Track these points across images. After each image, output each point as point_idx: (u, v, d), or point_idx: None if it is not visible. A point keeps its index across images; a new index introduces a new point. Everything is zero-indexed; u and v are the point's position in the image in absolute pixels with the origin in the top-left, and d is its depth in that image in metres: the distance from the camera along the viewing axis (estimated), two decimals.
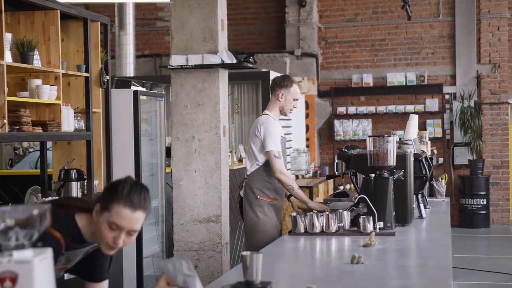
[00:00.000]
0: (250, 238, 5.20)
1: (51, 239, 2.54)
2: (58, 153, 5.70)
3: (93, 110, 5.65)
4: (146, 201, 2.60)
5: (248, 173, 5.24)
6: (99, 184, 5.79)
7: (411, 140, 5.15)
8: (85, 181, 5.51)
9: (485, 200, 12.02)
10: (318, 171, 10.64)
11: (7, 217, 1.72)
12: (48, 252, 1.76)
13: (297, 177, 10.09)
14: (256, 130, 5.09)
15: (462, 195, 12.15)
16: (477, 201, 12.00)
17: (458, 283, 7.74)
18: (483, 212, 12.04)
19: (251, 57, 5.74)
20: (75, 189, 5.34)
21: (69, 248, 2.64)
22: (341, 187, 9.80)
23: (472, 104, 12.17)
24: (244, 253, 2.72)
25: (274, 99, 5.18)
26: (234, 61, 5.48)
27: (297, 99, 5.22)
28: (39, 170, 5.76)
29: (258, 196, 5.13)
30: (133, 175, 6.32)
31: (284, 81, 5.19)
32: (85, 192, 5.53)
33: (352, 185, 5.72)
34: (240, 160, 8.58)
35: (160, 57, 12.88)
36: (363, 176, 4.49)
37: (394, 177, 4.39)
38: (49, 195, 5.21)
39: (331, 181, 10.77)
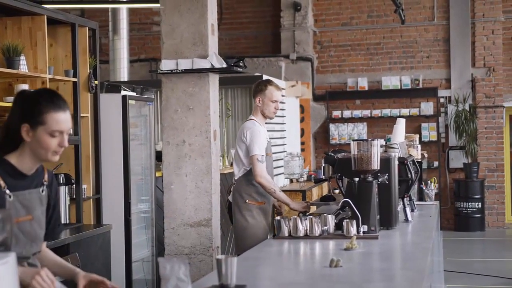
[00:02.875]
0: (240, 242, 5.24)
1: None
2: None
3: (82, 114, 5.68)
4: (64, 100, 2.76)
5: (236, 178, 5.29)
6: (87, 189, 5.81)
7: (396, 144, 5.16)
8: (73, 185, 5.53)
9: (480, 203, 12.03)
10: (313, 175, 10.64)
11: None
12: (11, 257, 1.78)
13: (291, 181, 10.11)
14: (242, 135, 5.18)
15: (457, 199, 12.16)
16: (472, 204, 12.00)
17: (450, 286, 7.74)
18: (478, 215, 12.04)
19: (241, 62, 5.76)
20: (63, 194, 5.35)
21: (11, 187, 2.66)
22: (337, 191, 9.81)
23: (467, 108, 12.18)
24: (219, 257, 2.75)
25: (255, 105, 5.30)
26: (224, 65, 5.50)
27: (275, 101, 5.27)
28: None
29: (247, 200, 5.19)
30: (122, 179, 6.40)
31: (259, 86, 5.31)
32: (74, 196, 5.55)
33: None
34: (232, 164, 8.59)
35: (156, 62, 12.90)
36: (348, 180, 4.51)
37: (378, 181, 4.40)
38: None
39: (325, 185, 10.78)
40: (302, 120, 12.19)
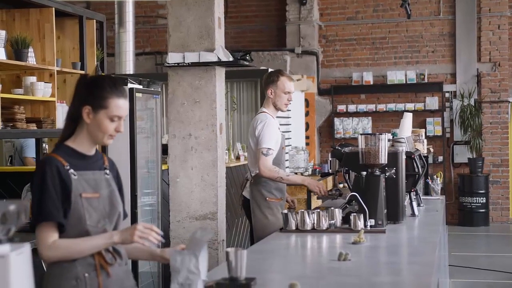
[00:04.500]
0: (260, 239, 5.16)
1: (48, 160, 2.72)
2: None
3: None
4: (125, 88, 2.88)
5: (253, 174, 5.19)
6: None
7: (404, 138, 5.15)
8: None
9: (484, 198, 12.03)
10: (318, 169, 10.65)
11: None
12: (26, 247, 1.78)
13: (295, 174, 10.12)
14: (254, 129, 5.09)
15: (461, 194, 12.16)
16: (476, 199, 12.00)
17: (455, 280, 7.76)
18: (483, 210, 12.04)
19: (248, 55, 5.75)
20: None
21: (73, 165, 2.75)
22: (341, 185, 9.81)
23: (472, 103, 12.17)
24: (228, 249, 2.75)
25: (267, 97, 5.22)
26: (231, 59, 5.48)
27: (288, 92, 5.17)
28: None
29: (267, 198, 5.12)
30: (128, 172, 6.40)
31: (271, 77, 5.20)
32: None
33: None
34: (238, 158, 8.61)
35: (161, 55, 12.90)
36: (355, 174, 4.51)
37: (385, 175, 4.40)
38: None
39: (330, 179, 10.78)
40: (307, 114, 12.19)
